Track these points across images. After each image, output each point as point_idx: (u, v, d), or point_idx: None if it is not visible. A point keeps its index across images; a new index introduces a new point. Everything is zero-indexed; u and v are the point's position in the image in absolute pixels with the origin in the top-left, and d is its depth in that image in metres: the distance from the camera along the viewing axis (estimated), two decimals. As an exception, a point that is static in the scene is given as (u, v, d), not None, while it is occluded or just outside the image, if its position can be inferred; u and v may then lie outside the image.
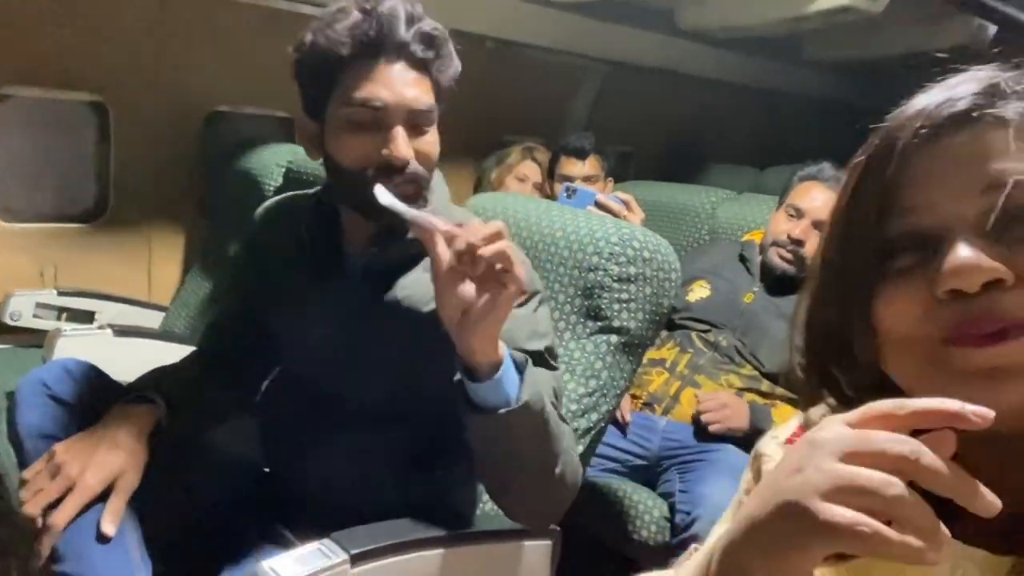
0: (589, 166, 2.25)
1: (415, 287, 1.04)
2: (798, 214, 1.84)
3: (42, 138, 2.25)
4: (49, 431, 0.98)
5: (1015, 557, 0.46)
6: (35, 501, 0.92)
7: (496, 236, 0.81)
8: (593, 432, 1.24)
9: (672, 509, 1.56)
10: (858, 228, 0.51)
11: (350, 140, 0.99)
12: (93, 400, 1.01)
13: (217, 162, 2.32)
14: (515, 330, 0.99)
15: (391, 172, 0.97)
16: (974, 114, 0.48)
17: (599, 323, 1.26)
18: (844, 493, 0.39)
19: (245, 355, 1.18)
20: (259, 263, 1.19)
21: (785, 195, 1.92)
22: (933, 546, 0.38)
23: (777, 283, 1.84)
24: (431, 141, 1.01)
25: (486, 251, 0.80)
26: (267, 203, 1.23)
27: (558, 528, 1.08)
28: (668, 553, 1.47)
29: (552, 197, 2.17)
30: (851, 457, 0.40)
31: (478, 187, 2.52)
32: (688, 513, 1.48)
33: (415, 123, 0.99)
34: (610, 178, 2.33)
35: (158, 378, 1.09)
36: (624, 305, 1.25)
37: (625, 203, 1.74)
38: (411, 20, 0.97)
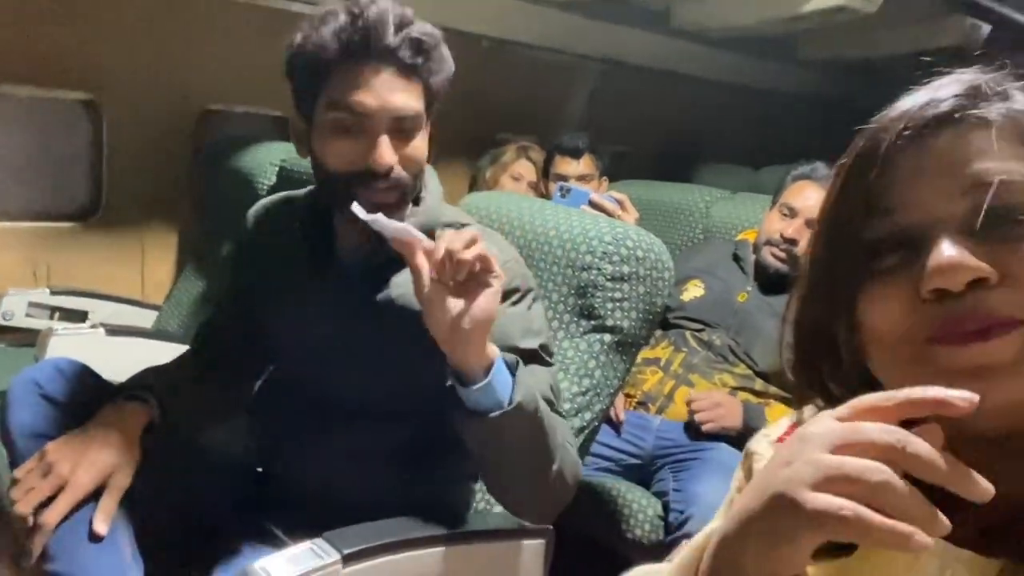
0: (583, 165, 2.26)
1: (409, 285, 1.03)
2: (792, 213, 1.84)
3: (35, 137, 2.24)
4: (41, 430, 0.97)
5: (1004, 560, 0.46)
6: (26, 500, 0.92)
7: (472, 241, 0.83)
8: (587, 431, 1.24)
9: (666, 508, 1.56)
10: (844, 228, 0.51)
11: (334, 144, 0.99)
12: (85, 399, 1.01)
13: (210, 161, 2.32)
14: (509, 328, 1.00)
15: (374, 178, 0.97)
16: (956, 115, 0.48)
17: (592, 322, 1.26)
18: (832, 482, 0.39)
19: (238, 354, 1.18)
20: (253, 262, 1.19)
21: (779, 194, 1.92)
22: (928, 530, 0.38)
23: (771, 282, 1.84)
24: (418, 146, 1.01)
25: (467, 254, 0.82)
26: (260, 202, 1.23)
27: (551, 527, 1.08)
28: (662, 552, 1.47)
29: (547, 196, 2.17)
30: (841, 449, 0.40)
31: (473, 186, 2.52)
32: (682, 512, 1.48)
33: (401, 128, 0.98)
34: (604, 177, 2.33)
35: (151, 377, 1.09)
36: (618, 304, 1.25)
37: (619, 202, 1.74)
38: (400, 25, 0.96)
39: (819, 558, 0.42)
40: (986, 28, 2.79)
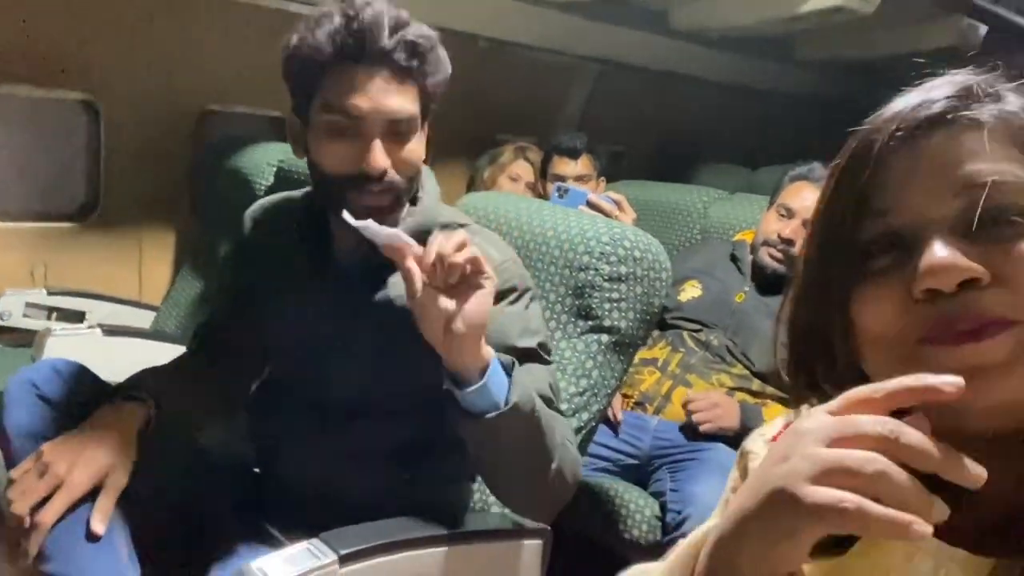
0: (581, 166, 2.26)
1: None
2: (789, 214, 1.84)
3: (33, 137, 2.24)
4: (37, 431, 0.97)
5: (997, 558, 0.46)
6: (23, 500, 0.91)
7: (462, 244, 0.84)
8: (584, 431, 1.24)
9: (663, 508, 1.57)
10: (836, 229, 0.52)
11: (329, 146, 0.99)
12: (82, 400, 1.01)
13: (209, 161, 2.31)
14: (507, 328, 1.00)
15: (367, 181, 0.97)
16: (948, 116, 0.48)
17: (590, 322, 1.26)
18: (829, 475, 0.40)
19: (236, 355, 1.18)
20: (251, 263, 1.19)
21: (776, 195, 1.92)
22: (927, 517, 0.38)
23: (768, 282, 1.85)
24: (413, 149, 1.01)
25: (458, 257, 0.83)
26: (258, 203, 1.23)
27: (549, 528, 1.08)
28: (659, 552, 1.46)
29: (544, 197, 2.17)
30: (836, 443, 0.41)
31: (471, 186, 2.52)
32: (679, 512, 1.48)
33: (396, 131, 0.98)
34: (602, 178, 2.33)
35: (148, 377, 1.08)
36: (615, 304, 1.25)
37: (617, 203, 1.74)
38: (395, 28, 0.95)
39: (814, 556, 0.42)
40: (983, 29, 2.79)
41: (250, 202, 1.25)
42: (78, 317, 2.16)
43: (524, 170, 2.41)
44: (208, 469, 1.16)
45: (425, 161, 1.10)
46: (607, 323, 1.25)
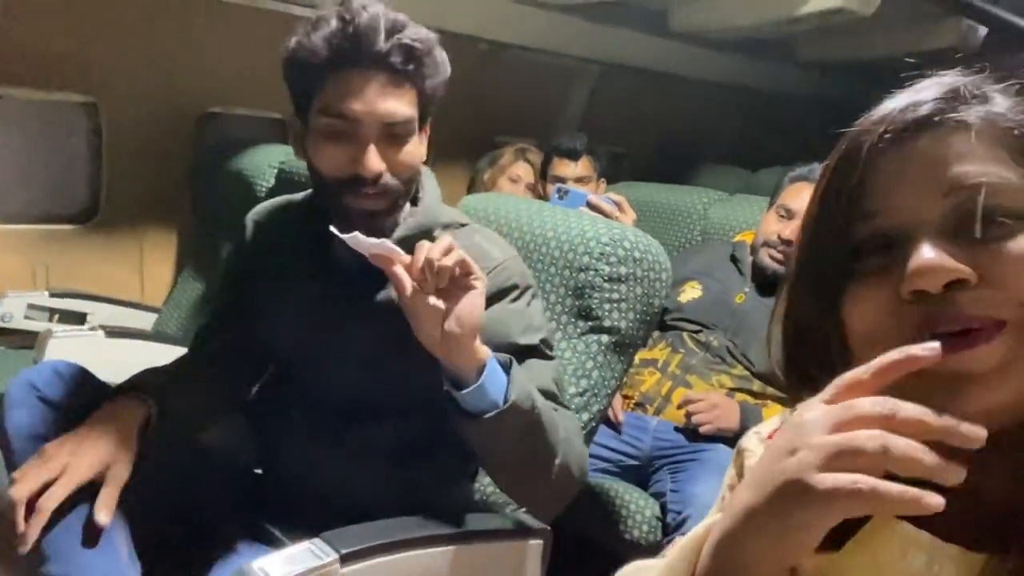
0: (581, 167, 2.26)
1: None
2: (788, 215, 1.85)
3: (34, 139, 2.25)
4: (38, 432, 0.97)
5: (989, 554, 0.47)
6: (23, 484, 0.91)
7: (449, 248, 0.85)
8: (585, 432, 1.24)
9: (663, 509, 1.57)
10: (827, 231, 0.52)
11: (325, 149, 1.00)
12: (83, 402, 1.01)
13: (209, 163, 2.32)
14: (510, 325, 1.01)
15: (363, 184, 0.98)
16: (936, 119, 0.49)
17: (590, 323, 1.26)
18: (837, 460, 0.40)
19: (237, 355, 1.18)
20: (252, 264, 1.19)
21: (776, 196, 1.92)
22: (942, 477, 0.39)
23: (768, 283, 1.85)
24: (410, 152, 1.01)
25: (447, 260, 0.85)
26: (260, 205, 1.24)
27: (549, 528, 1.08)
28: (659, 552, 1.47)
29: (545, 198, 2.17)
30: (837, 429, 0.42)
31: (471, 188, 2.52)
32: (679, 512, 1.49)
33: (392, 134, 0.99)
34: (602, 179, 2.33)
35: (147, 377, 1.09)
36: (615, 305, 1.25)
37: (617, 204, 1.74)
38: (392, 31, 0.96)
39: (820, 551, 0.43)
40: (983, 30, 2.79)
41: (251, 204, 1.25)
42: (80, 319, 2.16)
43: (524, 171, 2.41)
44: (209, 469, 1.16)
45: (425, 162, 1.10)
46: (607, 323, 1.25)
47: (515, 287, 1.06)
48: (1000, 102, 0.50)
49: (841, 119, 0.56)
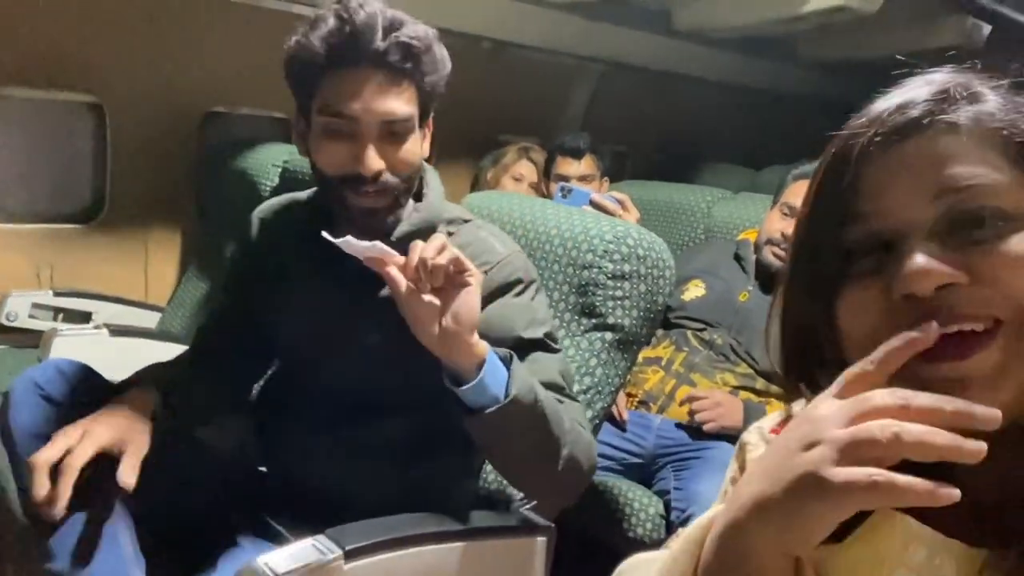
0: (584, 166, 2.26)
1: None
2: (792, 212, 1.84)
3: (38, 139, 2.25)
4: (42, 431, 0.97)
5: (989, 549, 0.47)
6: (42, 453, 0.90)
7: (443, 247, 0.86)
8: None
9: (667, 507, 1.57)
10: (820, 233, 0.53)
11: (326, 147, 1.00)
12: (86, 400, 1.01)
13: (213, 162, 2.32)
14: (514, 319, 1.02)
15: (363, 182, 0.99)
16: (925, 121, 0.49)
17: (594, 320, 1.26)
18: (853, 452, 0.41)
19: (239, 353, 1.19)
20: (257, 262, 1.20)
21: (779, 194, 1.92)
22: (962, 457, 0.40)
23: (772, 281, 1.84)
24: (409, 150, 1.01)
25: (441, 258, 0.86)
26: (265, 203, 1.24)
27: (553, 525, 1.08)
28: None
29: (548, 197, 2.17)
30: (853, 421, 0.42)
31: (474, 187, 2.52)
32: (683, 510, 1.49)
33: (392, 132, 0.99)
34: (606, 178, 2.33)
35: (152, 372, 1.09)
36: (619, 302, 1.25)
37: (620, 202, 1.74)
38: (389, 29, 0.96)
39: (825, 544, 0.43)
40: (986, 28, 2.79)
41: (255, 203, 1.25)
42: (84, 318, 2.17)
43: (527, 170, 2.42)
44: (213, 467, 1.16)
45: (429, 160, 1.10)
46: (611, 321, 1.25)
47: (519, 281, 1.06)
48: (991, 102, 0.50)
49: (844, 117, 0.56)
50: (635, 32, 2.82)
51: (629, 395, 1.81)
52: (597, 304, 1.26)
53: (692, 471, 1.58)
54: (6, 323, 2.09)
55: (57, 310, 2.15)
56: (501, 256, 1.06)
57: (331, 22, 0.96)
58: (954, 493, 0.39)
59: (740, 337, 1.80)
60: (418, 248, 0.87)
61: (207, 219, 2.40)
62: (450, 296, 0.88)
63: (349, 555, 0.90)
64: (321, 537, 0.91)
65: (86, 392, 1.03)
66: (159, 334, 2.17)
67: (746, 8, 2.61)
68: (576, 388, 1.23)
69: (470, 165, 2.66)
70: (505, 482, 1.18)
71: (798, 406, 0.59)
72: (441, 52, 1.02)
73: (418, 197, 1.09)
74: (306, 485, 1.10)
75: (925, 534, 0.48)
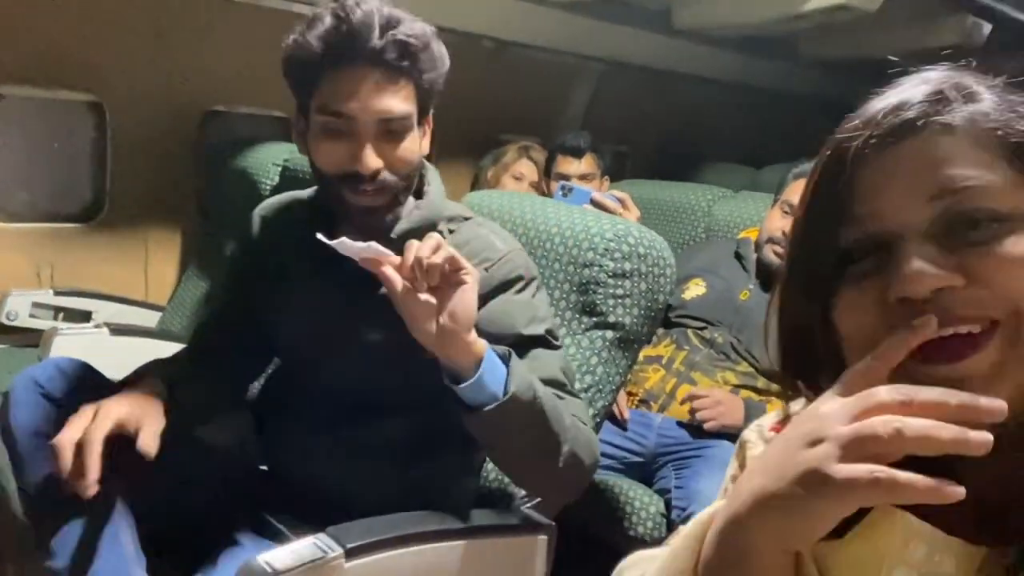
0: (585, 164, 2.26)
1: None
2: (792, 211, 1.84)
3: (38, 138, 2.25)
4: (42, 429, 0.97)
5: (989, 547, 0.47)
6: (63, 434, 0.90)
7: (438, 246, 0.87)
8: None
9: (668, 505, 1.57)
10: (816, 235, 0.53)
11: (324, 146, 1.01)
12: (86, 398, 1.01)
13: (214, 161, 2.32)
14: (515, 316, 1.02)
15: (361, 181, 0.99)
16: (920, 122, 0.49)
17: (594, 319, 1.26)
18: (856, 448, 0.41)
19: (237, 351, 1.18)
20: (258, 261, 1.20)
21: (780, 192, 1.92)
22: (966, 448, 0.40)
23: (772, 280, 1.84)
24: (408, 148, 1.01)
25: (436, 257, 0.86)
26: (266, 201, 1.24)
27: (554, 523, 1.08)
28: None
29: (548, 196, 2.17)
30: (857, 418, 0.42)
31: (474, 186, 2.52)
32: (684, 509, 1.48)
33: (389, 130, 0.99)
34: (606, 176, 2.33)
35: (153, 368, 1.09)
36: (619, 301, 1.25)
37: (621, 201, 1.74)
38: (386, 27, 0.96)
39: (827, 539, 0.44)
40: (987, 27, 2.78)
41: (256, 202, 1.25)
42: (84, 317, 2.17)
43: (528, 169, 2.41)
44: (214, 466, 1.16)
45: (429, 159, 1.10)
46: (612, 319, 1.25)
47: (520, 278, 1.06)
48: (986, 101, 0.50)
49: (844, 117, 0.56)
50: (635, 31, 2.81)
51: (630, 394, 1.81)
52: (598, 302, 1.26)
53: (693, 470, 1.58)
54: (6, 322, 2.09)
55: (57, 309, 2.15)
56: (502, 253, 1.06)
57: (328, 21, 0.96)
58: (959, 491, 0.39)
59: (741, 336, 1.79)
60: (414, 247, 0.88)
61: (207, 218, 2.40)
62: (446, 295, 0.88)
63: (350, 553, 0.90)
64: (322, 535, 0.91)
65: (86, 391, 1.02)
66: (159, 333, 2.17)
67: (746, 7, 2.61)
68: (577, 387, 1.23)
69: (470, 164, 2.66)
70: (507, 480, 1.18)
71: (796, 405, 0.59)
72: (439, 49, 1.02)
73: (419, 195, 1.09)
74: (307, 484, 1.10)
75: (925, 531, 0.48)
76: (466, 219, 1.12)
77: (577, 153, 2.25)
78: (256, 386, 1.28)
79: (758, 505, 0.45)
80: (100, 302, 2.21)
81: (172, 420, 1.01)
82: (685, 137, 3.71)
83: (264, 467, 1.21)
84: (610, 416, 1.67)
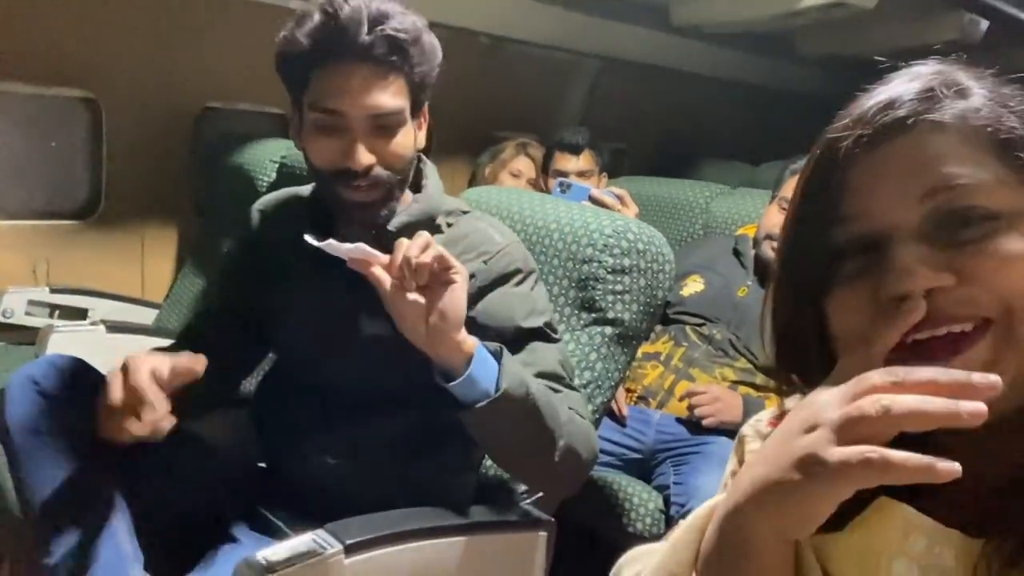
0: (583, 161, 2.26)
1: None
2: (790, 208, 1.84)
3: (34, 135, 2.24)
4: (37, 426, 0.97)
5: (987, 538, 0.47)
6: (134, 375, 0.88)
7: (427, 245, 0.86)
8: (588, 424, 1.24)
9: (667, 501, 1.57)
10: (807, 234, 0.53)
11: (317, 143, 1.01)
12: (82, 395, 1.00)
13: (210, 158, 2.31)
14: (514, 308, 1.02)
15: (353, 177, 0.99)
16: (909, 121, 0.49)
17: (593, 315, 1.26)
18: (848, 431, 0.41)
19: (229, 346, 1.18)
20: (255, 256, 1.19)
21: (777, 188, 1.92)
22: (960, 421, 0.39)
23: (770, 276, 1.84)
24: (400, 143, 1.01)
25: (425, 257, 0.86)
26: (265, 197, 1.24)
27: (553, 520, 1.08)
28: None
29: (546, 192, 2.17)
30: (852, 403, 0.42)
31: (472, 183, 2.52)
32: (683, 505, 1.49)
33: (381, 126, 0.99)
34: (604, 173, 2.33)
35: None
36: (618, 297, 1.25)
37: (619, 197, 1.74)
38: (375, 22, 0.95)
39: (818, 530, 0.43)
40: (984, 24, 2.79)
41: (252, 199, 1.25)
42: (80, 314, 2.16)
43: (525, 166, 2.41)
44: (212, 463, 1.16)
45: (427, 153, 1.10)
46: (611, 315, 1.25)
47: (518, 271, 1.06)
48: (977, 96, 0.50)
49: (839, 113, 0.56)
50: (633, 28, 2.81)
51: (628, 390, 1.81)
52: (597, 298, 1.25)
53: (691, 466, 1.58)
54: (2, 320, 2.08)
55: (53, 307, 2.14)
56: (500, 246, 1.07)
57: (316, 17, 0.96)
58: (953, 467, 0.39)
59: (739, 332, 1.79)
60: (403, 246, 0.88)
61: (204, 215, 2.39)
62: (436, 294, 0.88)
63: (349, 550, 0.89)
64: (321, 532, 0.91)
65: (82, 387, 1.02)
66: (156, 330, 2.16)
67: (743, 4, 2.61)
68: (576, 382, 1.23)
69: (468, 162, 2.66)
70: (506, 475, 1.18)
71: (791, 401, 0.59)
72: (431, 42, 1.02)
73: (417, 188, 1.09)
74: (305, 481, 1.10)
75: (924, 524, 0.48)
76: (464, 213, 1.12)
77: (575, 150, 2.25)
78: (253, 383, 1.28)
79: (757, 494, 0.45)
80: (96, 299, 2.20)
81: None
82: (683, 134, 3.71)
83: (263, 464, 1.20)
84: (609, 412, 1.67)
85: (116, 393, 0.88)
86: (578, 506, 1.24)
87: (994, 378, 0.40)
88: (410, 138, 1.03)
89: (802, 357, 0.55)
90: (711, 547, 0.49)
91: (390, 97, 0.98)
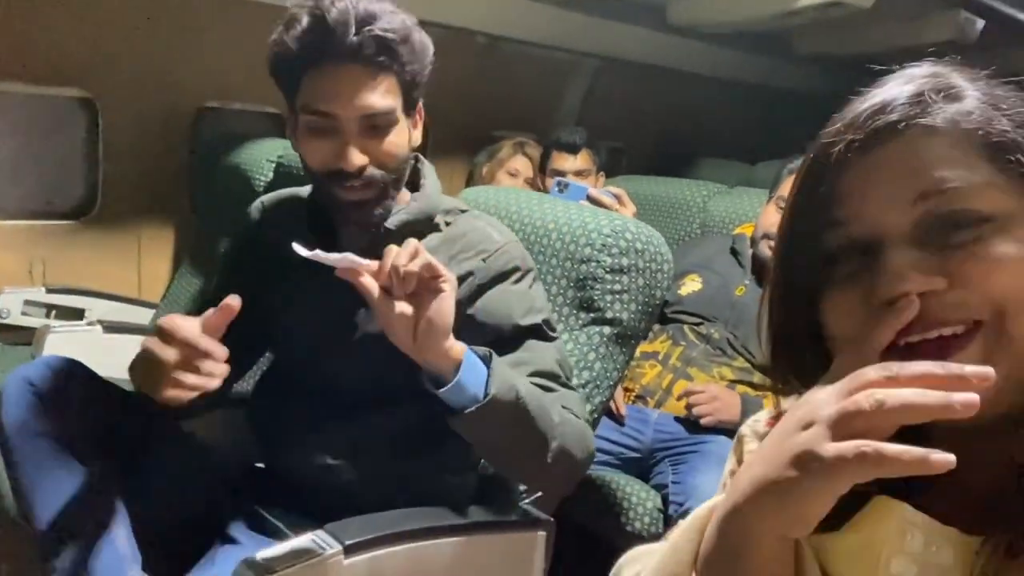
0: (580, 161, 2.25)
1: None
2: (787, 207, 1.84)
3: (31, 134, 2.23)
4: (34, 427, 0.97)
5: (984, 536, 0.47)
6: (181, 331, 0.87)
7: (415, 252, 0.86)
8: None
9: (665, 501, 1.57)
10: (800, 238, 0.53)
11: (310, 144, 1.01)
12: (78, 396, 1.01)
13: (207, 158, 2.31)
14: (512, 306, 1.02)
15: (347, 177, 0.99)
16: (901, 125, 0.49)
17: (592, 314, 1.26)
18: (843, 426, 0.41)
19: (229, 347, 1.17)
20: (255, 256, 1.19)
21: (775, 188, 1.92)
22: (953, 413, 0.39)
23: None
24: (393, 142, 1.01)
25: (413, 265, 0.85)
26: (263, 197, 1.24)
27: (552, 519, 1.08)
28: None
29: (544, 192, 2.17)
30: (847, 399, 0.43)
31: (469, 182, 2.52)
32: (681, 504, 1.49)
33: (373, 126, 0.99)
34: (601, 173, 2.33)
35: None
36: (617, 296, 1.25)
37: (617, 197, 1.74)
38: (363, 23, 0.95)
39: (815, 529, 0.44)
40: (980, 23, 2.79)
41: (249, 199, 1.25)
42: (77, 315, 2.15)
43: (523, 165, 2.41)
44: (210, 463, 1.16)
45: (424, 151, 1.10)
46: (609, 315, 1.25)
47: (516, 269, 1.06)
48: (970, 99, 0.50)
49: (839, 113, 0.56)
50: (630, 27, 2.81)
51: (626, 390, 1.81)
52: (595, 298, 1.25)
53: (690, 465, 1.58)
54: (-2, 320, 2.08)
55: (50, 307, 2.14)
56: (498, 244, 1.07)
57: (305, 20, 0.96)
58: (948, 458, 0.39)
59: (737, 331, 1.80)
60: (391, 254, 0.88)
61: (200, 215, 2.39)
62: (424, 302, 0.87)
63: (348, 550, 0.89)
64: (320, 532, 0.91)
65: (79, 389, 1.02)
66: (153, 331, 2.16)
67: (740, 3, 2.61)
68: (575, 382, 1.23)
69: (465, 161, 2.65)
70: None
71: (788, 402, 0.59)
72: (421, 40, 1.02)
73: (415, 188, 1.09)
74: (304, 480, 1.10)
75: (922, 521, 0.49)
76: (463, 212, 1.12)
77: (573, 149, 2.25)
78: (251, 382, 1.27)
79: (755, 492, 0.45)
80: (93, 299, 2.19)
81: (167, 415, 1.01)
82: (681, 133, 3.71)
83: (261, 464, 1.20)
84: (607, 412, 1.67)
85: (168, 352, 0.86)
86: (576, 506, 1.24)
87: (987, 369, 0.41)
88: (403, 137, 1.03)
89: (798, 358, 0.56)
90: (711, 547, 0.49)
91: (380, 97, 0.99)
